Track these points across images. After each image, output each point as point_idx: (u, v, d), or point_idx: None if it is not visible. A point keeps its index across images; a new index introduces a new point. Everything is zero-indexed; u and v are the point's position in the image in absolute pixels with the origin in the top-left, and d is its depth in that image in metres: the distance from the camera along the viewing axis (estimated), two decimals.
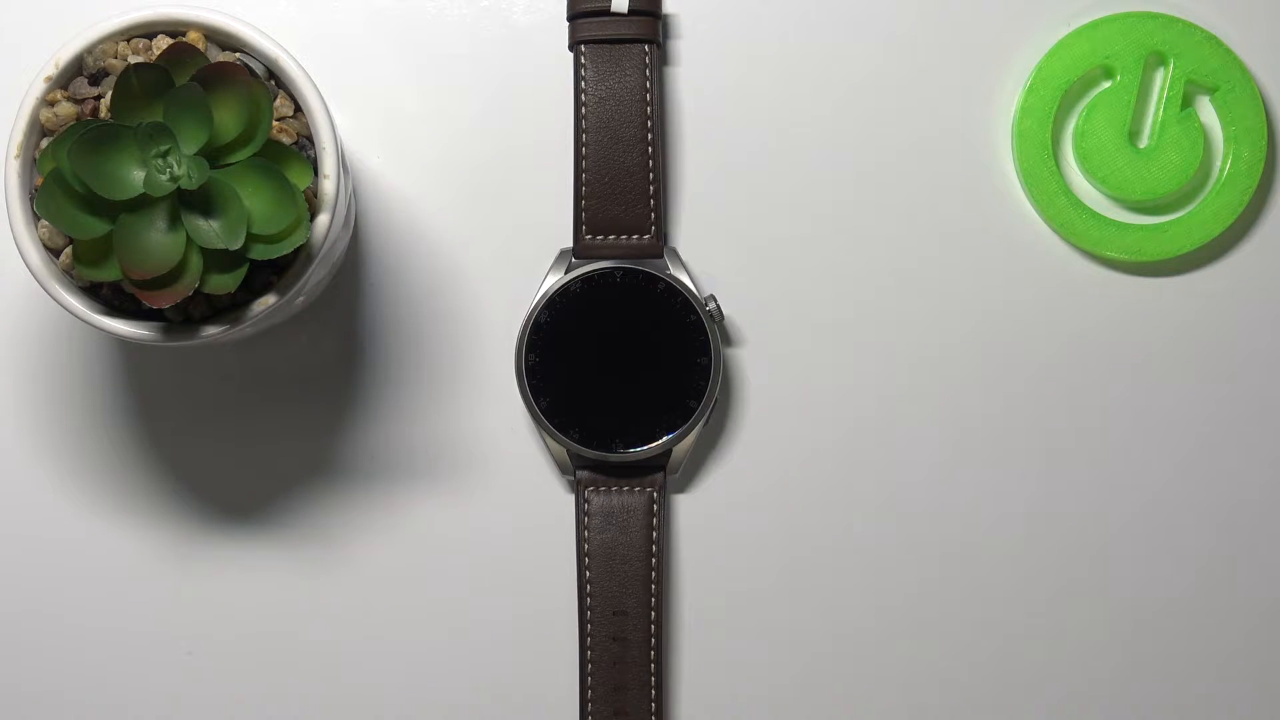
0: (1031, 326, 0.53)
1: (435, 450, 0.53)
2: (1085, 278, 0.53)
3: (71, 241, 0.45)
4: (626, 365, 0.51)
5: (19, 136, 0.45)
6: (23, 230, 0.45)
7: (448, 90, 0.53)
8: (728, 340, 0.53)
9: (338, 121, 0.47)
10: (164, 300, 0.43)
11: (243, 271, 0.43)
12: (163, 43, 0.46)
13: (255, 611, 0.53)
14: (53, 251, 0.45)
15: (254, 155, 0.43)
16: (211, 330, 0.45)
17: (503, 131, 0.53)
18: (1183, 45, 0.52)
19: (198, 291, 0.43)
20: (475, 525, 0.53)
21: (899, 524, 0.53)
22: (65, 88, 0.45)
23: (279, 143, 0.45)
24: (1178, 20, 0.52)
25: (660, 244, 0.51)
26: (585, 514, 0.52)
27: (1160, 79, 0.53)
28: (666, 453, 0.51)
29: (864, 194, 0.53)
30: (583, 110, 0.51)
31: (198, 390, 0.53)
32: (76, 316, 0.45)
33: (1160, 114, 0.53)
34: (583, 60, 0.51)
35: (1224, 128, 0.53)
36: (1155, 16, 0.52)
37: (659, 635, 0.52)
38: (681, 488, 0.53)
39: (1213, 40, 0.52)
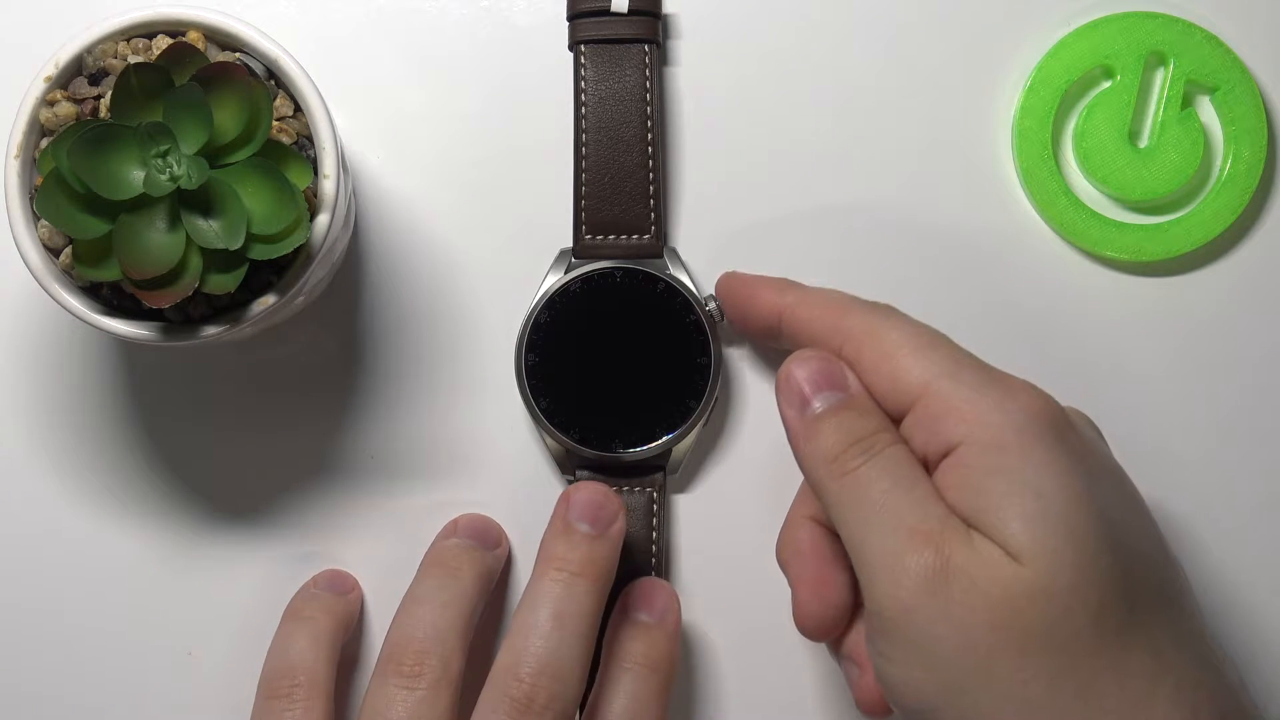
0: (1031, 326, 0.53)
1: (435, 450, 0.53)
2: (1085, 278, 0.53)
3: (71, 241, 0.45)
4: (626, 365, 0.51)
5: (19, 136, 0.45)
6: (23, 230, 0.44)
7: (448, 90, 0.53)
8: (727, 340, 0.53)
9: (338, 121, 0.47)
10: (164, 300, 0.43)
11: (243, 271, 0.43)
12: (163, 43, 0.46)
13: (255, 611, 0.52)
14: (53, 251, 0.45)
15: (254, 155, 0.43)
16: (211, 330, 0.45)
17: (503, 131, 0.53)
18: (1183, 45, 0.52)
19: (198, 291, 0.43)
20: None
21: None
22: (65, 88, 0.45)
23: (279, 143, 0.45)
24: (1178, 20, 0.52)
25: (660, 244, 0.51)
26: None
27: (1160, 79, 0.53)
28: (666, 452, 0.51)
29: (864, 194, 0.53)
30: (582, 110, 0.51)
31: (198, 390, 0.53)
32: (76, 316, 0.45)
33: (1160, 114, 0.53)
34: (582, 60, 0.51)
35: (1224, 128, 0.53)
36: (1155, 16, 0.52)
37: None
38: (681, 487, 0.53)
39: (1213, 40, 0.52)
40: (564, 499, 0.49)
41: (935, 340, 0.44)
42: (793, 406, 0.44)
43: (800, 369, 0.44)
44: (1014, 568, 0.39)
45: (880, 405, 0.44)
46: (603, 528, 0.48)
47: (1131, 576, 0.40)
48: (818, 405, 0.44)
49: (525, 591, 0.48)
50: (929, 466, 0.42)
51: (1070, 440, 0.41)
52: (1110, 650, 0.39)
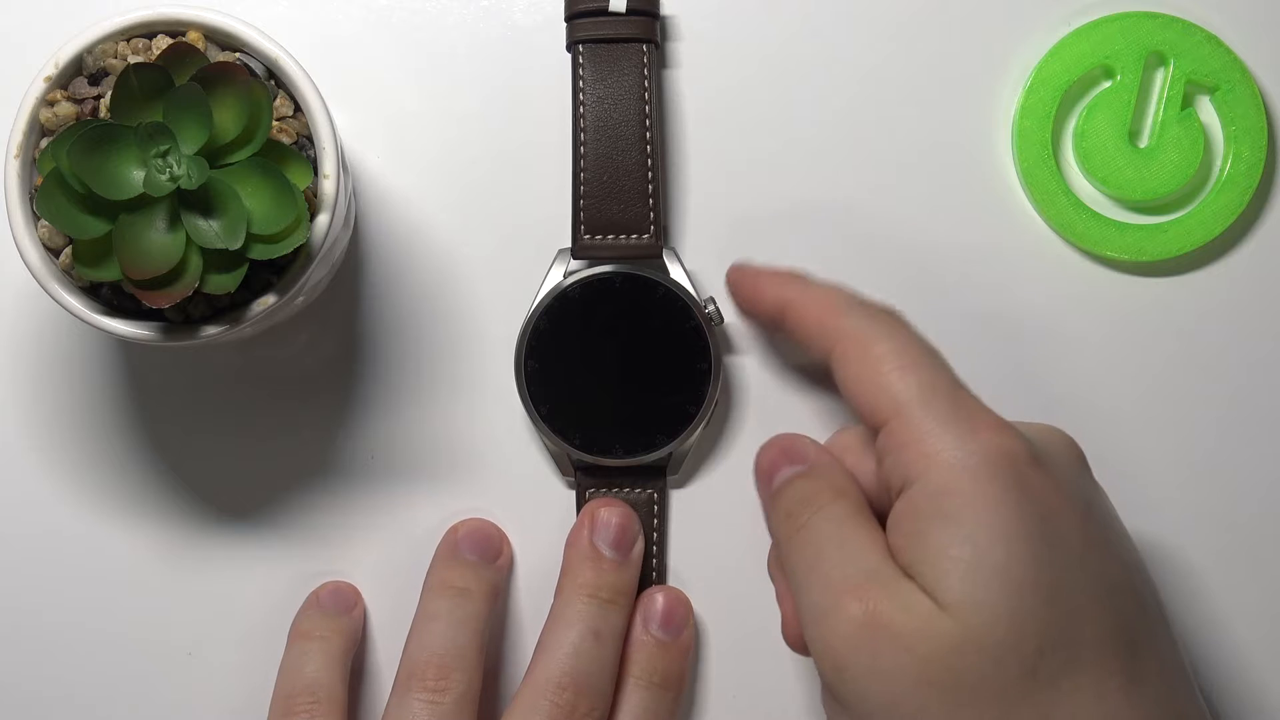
0: (1031, 326, 0.53)
1: (435, 450, 0.53)
2: (1085, 278, 0.53)
3: (71, 241, 0.45)
4: (627, 371, 0.51)
5: (19, 136, 0.45)
6: (22, 230, 0.45)
7: (448, 90, 0.53)
8: (727, 344, 0.53)
9: (338, 121, 0.48)
10: (164, 300, 0.43)
11: (242, 271, 0.43)
12: (163, 43, 0.46)
13: (255, 612, 0.53)
14: (52, 251, 0.45)
15: (254, 155, 0.43)
16: (211, 330, 0.45)
17: (503, 131, 0.53)
18: (1183, 45, 0.52)
19: (198, 291, 0.43)
20: None
21: None
22: (65, 88, 0.45)
23: (279, 143, 0.45)
24: (1178, 20, 0.52)
25: (659, 244, 0.51)
26: None
27: (1160, 79, 0.53)
28: (667, 456, 0.51)
29: (864, 195, 0.53)
30: (580, 110, 0.51)
31: (198, 390, 0.53)
32: (76, 316, 0.45)
33: (1160, 114, 0.53)
34: (580, 60, 0.51)
35: (1224, 128, 0.53)
36: (1155, 16, 0.52)
37: None
38: (681, 485, 0.53)
39: (1213, 40, 0.52)
40: (588, 516, 0.50)
41: (920, 360, 0.43)
42: (762, 486, 0.47)
43: (764, 455, 0.47)
44: (943, 620, 0.39)
45: (864, 413, 0.44)
46: (625, 553, 0.50)
47: (1079, 623, 0.39)
48: (779, 479, 0.46)
49: (556, 611, 0.49)
50: (893, 493, 0.42)
51: (1030, 481, 0.40)
52: (1047, 700, 0.38)
